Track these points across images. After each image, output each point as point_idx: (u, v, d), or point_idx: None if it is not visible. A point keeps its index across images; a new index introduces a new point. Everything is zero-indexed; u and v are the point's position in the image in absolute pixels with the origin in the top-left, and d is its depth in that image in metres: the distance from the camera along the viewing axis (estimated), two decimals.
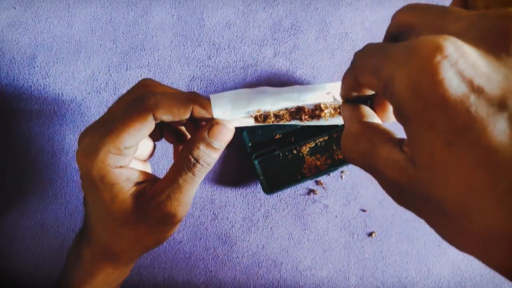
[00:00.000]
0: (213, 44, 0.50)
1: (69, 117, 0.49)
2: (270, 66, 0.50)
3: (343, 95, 0.23)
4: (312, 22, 0.50)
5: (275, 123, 0.29)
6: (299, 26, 0.50)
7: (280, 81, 0.50)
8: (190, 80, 0.49)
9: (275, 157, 0.47)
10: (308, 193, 0.49)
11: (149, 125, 0.27)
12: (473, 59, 0.14)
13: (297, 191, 0.49)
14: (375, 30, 0.51)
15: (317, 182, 0.49)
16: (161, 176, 0.30)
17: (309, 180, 0.48)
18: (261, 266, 0.49)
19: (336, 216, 0.49)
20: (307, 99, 0.28)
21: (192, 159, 0.28)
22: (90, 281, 0.31)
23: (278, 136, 0.47)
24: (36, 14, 0.49)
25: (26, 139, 0.48)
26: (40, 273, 0.48)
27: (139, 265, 0.48)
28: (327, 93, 0.28)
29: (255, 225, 0.49)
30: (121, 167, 0.28)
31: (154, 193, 0.28)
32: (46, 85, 0.49)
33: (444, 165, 0.14)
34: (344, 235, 0.49)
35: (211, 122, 0.28)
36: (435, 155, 0.14)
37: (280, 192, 0.49)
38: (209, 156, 0.28)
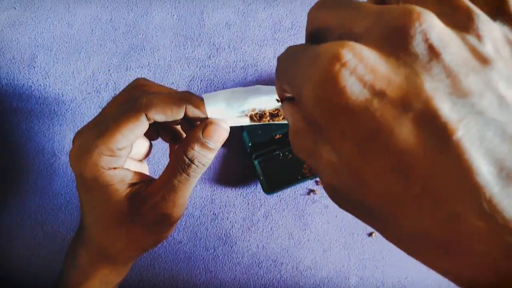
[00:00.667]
0: (213, 44, 0.50)
1: (69, 117, 0.49)
2: (270, 66, 0.50)
3: (279, 97, 0.23)
4: None
5: (270, 122, 0.29)
6: (299, 26, 0.50)
7: None
8: (190, 80, 0.49)
9: (275, 157, 0.47)
10: (308, 193, 0.49)
11: (142, 125, 0.26)
12: (372, 63, 0.14)
13: (297, 191, 0.49)
14: None
15: (317, 182, 0.49)
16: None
17: (309, 180, 0.48)
18: (261, 266, 0.49)
19: (336, 216, 0.49)
20: None
21: (187, 160, 0.27)
22: (86, 282, 0.31)
23: (278, 136, 0.47)
24: (36, 14, 0.49)
25: (26, 139, 0.48)
26: (40, 273, 0.48)
27: (139, 265, 0.48)
28: None
29: (255, 225, 0.49)
30: (114, 168, 0.27)
31: (149, 195, 0.28)
32: (46, 85, 0.49)
33: (362, 172, 0.14)
34: (344, 235, 0.49)
35: (206, 122, 0.27)
36: (351, 163, 0.14)
37: (280, 192, 0.49)
38: (204, 156, 0.28)
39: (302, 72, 0.15)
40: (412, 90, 0.13)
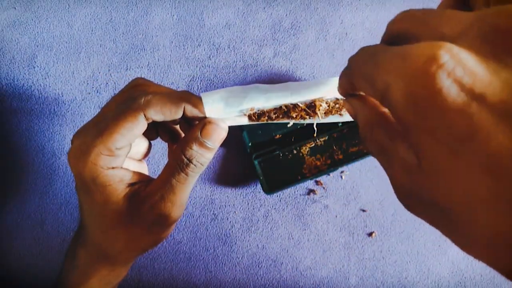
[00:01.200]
0: (213, 44, 0.50)
1: (69, 117, 0.49)
2: (270, 66, 0.50)
3: (342, 94, 0.23)
4: (312, 22, 0.50)
5: (269, 121, 0.28)
6: (299, 26, 0.50)
7: (280, 81, 0.50)
8: (190, 80, 0.49)
9: (275, 157, 0.47)
10: (308, 193, 0.49)
11: (140, 125, 0.26)
12: (471, 65, 0.13)
13: (297, 191, 0.49)
14: (375, 30, 0.51)
15: (317, 182, 0.49)
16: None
17: (309, 180, 0.48)
18: (261, 266, 0.49)
19: (336, 216, 0.49)
20: (302, 95, 0.27)
21: (185, 159, 0.27)
22: (86, 282, 0.31)
23: (278, 136, 0.47)
24: (36, 14, 0.49)
25: (26, 139, 0.48)
26: (40, 273, 0.48)
27: (139, 265, 0.48)
28: (322, 89, 0.27)
29: (255, 225, 0.49)
30: (113, 168, 0.27)
31: (148, 195, 0.28)
32: (46, 85, 0.49)
33: (449, 173, 0.14)
34: (344, 235, 0.49)
35: (204, 121, 0.27)
36: (440, 163, 0.14)
37: (280, 192, 0.49)
38: (202, 156, 0.27)
39: (389, 71, 0.15)
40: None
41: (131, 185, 0.28)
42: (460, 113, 0.13)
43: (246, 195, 0.49)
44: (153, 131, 0.32)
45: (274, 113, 0.28)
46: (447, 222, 0.15)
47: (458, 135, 0.13)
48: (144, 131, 0.28)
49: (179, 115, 0.27)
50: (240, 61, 0.50)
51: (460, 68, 0.13)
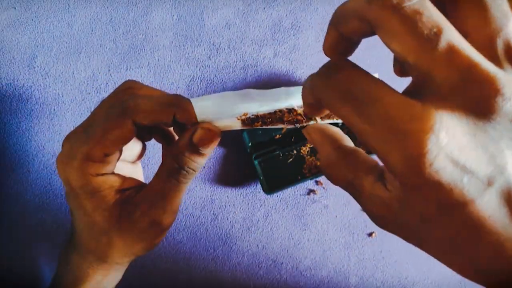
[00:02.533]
0: (213, 44, 0.50)
1: (69, 117, 0.49)
2: (270, 66, 0.50)
3: (306, 113, 0.22)
4: (312, 22, 0.50)
5: (263, 126, 0.27)
6: (299, 26, 0.50)
7: (280, 81, 0.50)
8: (190, 80, 0.49)
9: (275, 157, 0.47)
10: (308, 193, 0.49)
11: (129, 131, 0.26)
12: (465, 143, 0.15)
13: (297, 191, 0.49)
14: None
15: (317, 182, 0.49)
16: None
17: (309, 180, 0.48)
18: (261, 266, 0.49)
19: (336, 216, 0.49)
20: (296, 100, 0.27)
21: (176, 166, 0.26)
22: (79, 287, 0.31)
23: (278, 136, 0.48)
24: (36, 14, 0.49)
25: (26, 139, 0.48)
26: (40, 273, 0.48)
27: (139, 265, 0.48)
28: None
29: (255, 225, 0.49)
30: (103, 174, 0.27)
31: (139, 201, 0.27)
32: (46, 85, 0.49)
33: (433, 229, 0.16)
34: (344, 235, 0.49)
35: (196, 126, 0.26)
36: (425, 219, 0.16)
37: (280, 192, 0.49)
38: (195, 162, 0.26)
39: (383, 139, 0.16)
40: (497, 169, 0.15)
41: (121, 191, 0.28)
42: (452, 185, 0.15)
43: (246, 195, 0.49)
44: (147, 132, 0.31)
45: (268, 118, 0.27)
46: (417, 241, 0.18)
47: (448, 203, 0.15)
48: (138, 133, 0.27)
49: (169, 120, 0.26)
50: (240, 61, 0.50)
51: (455, 147, 0.15)
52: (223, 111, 0.26)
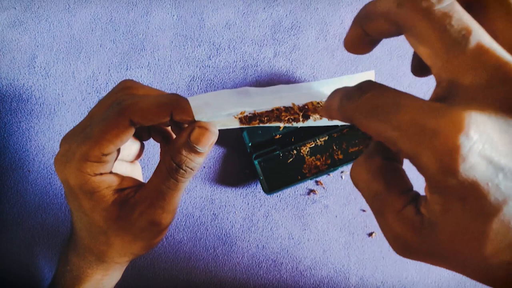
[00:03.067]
0: (213, 44, 0.50)
1: (69, 117, 0.49)
2: (270, 66, 0.50)
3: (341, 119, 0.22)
4: (312, 22, 0.50)
5: (261, 125, 0.27)
6: (299, 26, 0.50)
7: (280, 81, 0.50)
8: (190, 80, 0.49)
9: (275, 157, 0.47)
10: (308, 193, 0.49)
11: (127, 131, 0.26)
12: (497, 140, 0.14)
13: (297, 191, 0.49)
14: None
15: (317, 182, 0.49)
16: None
17: (309, 180, 0.48)
18: (261, 266, 0.49)
19: (336, 216, 0.49)
20: (294, 99, 0.26)
21: (174, 165, 0.26)
22: (79, 286, 0.31)
23: (278, 136, 0.47)
24: (36, 14, 0.49)
25: (26, 139, 0.48)
26: (40, 273, 0.48)
27: (139, 265, 0.48)
28: (315, 92, 0.26)
29: (255, 225, 0.49)
30: (101, 174, 0.27)
31: (137, 201, 0.27)
32: (46, 85, 0.49)
33: (473, 239, 0.15)
34: (344, 235, 0.49)
35: (193, 125, 0.26)
36: (465, 228, 0.15)
37: (280, 192, 0.49)
38: (192, 161, 0.26)
39: (415, 141, 0.15)
40: None
41: (120, 190, 0.28)
42: (487, 183, 0.14)
43: (246, 195, 0.49)
44: (145, 132, 0.31)
45: (266, 116, 0.27)
46: (445, 264, 0.17)
47: (487, 205, 0.15)
48: (135, 132, 0.27)
49: (166, 119, 0.26)
50: (240, 61, 0.50)
51: (488, 145, 0.14)
52: (221, 109, 0.26)
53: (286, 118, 0.27)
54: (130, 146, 0.31)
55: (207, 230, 0.49)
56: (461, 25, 0.15)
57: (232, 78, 0.50)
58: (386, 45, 0.50)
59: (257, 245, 0.49)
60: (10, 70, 0.49)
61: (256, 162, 0.46)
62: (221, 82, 0.49)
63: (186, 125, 0.27)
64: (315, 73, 0.50)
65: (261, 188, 0.47)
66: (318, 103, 0.27)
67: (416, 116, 0.15)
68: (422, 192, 0.18)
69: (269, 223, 0.49)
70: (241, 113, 0.27)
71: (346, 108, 0.19)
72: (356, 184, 0.20)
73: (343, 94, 0.19)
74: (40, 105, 0.49)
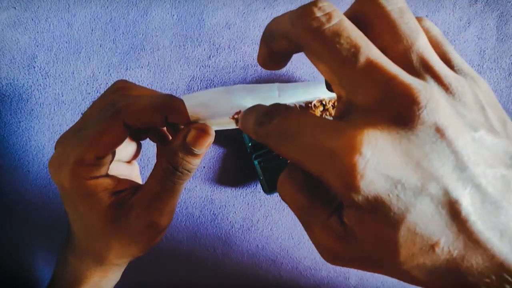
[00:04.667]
0: (213, 44, 0.50)
1: (69, 117, 0.49)
2: None
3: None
4: None
5: None
6: None
7: (280, 81, 0.50)
8: (190, 80, 0.49)
9: (275, 157, 0.47)
10: None
11: (121, 134, 0.25)
12: (391, 157, 0.15)
13: None
14: None
15: None
16: None
17: None
18: (261, 266, 0.49)
19: None
20: (289, 97, 0.26)
21: (171, 167, 0.26)
22: None
23: None
24: (36, 14, 0.49)
25: (26, 138, 0.48)
26: (40, 273, 0.48)
27: (139, 266, 0.48)
28: (313, 91, 0.26)
29: (255, 225, 0.49)
30: (96, 177, 0.26)
31: (134, 203, 0.27)
32: (46, 85, 0.49)
33: (388, 247, 0.16)
34: None
35: (189, 127, 0.26)
36: (379, 237, 0.16)
37: None
38: (189, 163, 0.26)
39: (317, 161, 0.16)
40: (425, 174, 0.15)
41: (116, 193, 0.27)
42: (385, 197, 0.15)
43: (246, 195, 0.49)
44: (142, 132, 0.31)
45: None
46: (379, 268, 0.18)
47: (391, 215, 0.15)
48: (132, 133, 0.27)
49: (160, 121, 0.26)
50: (240, 61, 0.50)
51: (382, 162, 0.15)
52: (216, 109, 0.26)
53: None
54: (126, 147, 0.31)
55: (207, 230, 0.49)
56: (349, 43, 0.16)
57: (232, 78, 0.50)
58: None
59: (257, 245, 0.49)
60: (10, 70, 0.49)
61: (256, 162, 0.46)
62: (221, 82, 0.49)
63: (182, 126, 0.27)
64: (315, 73, 0.50)
65: (261, 188, 0.47)
66: (320, 101, 0.27)
67: (316, 137, 0.16)
68: None
69: (269, 223, 0.49)
70: (236, 114, 0.26)
71: (259, 134, 0.19)
72: (283, 198, 0.20)
73: (255, 119, 0.20)
74: (40, 105, 0.49)
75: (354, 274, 0.49)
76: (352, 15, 0.18)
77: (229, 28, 0.50)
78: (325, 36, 0.16)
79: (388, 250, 0.16)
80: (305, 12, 0.17)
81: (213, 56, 0.50)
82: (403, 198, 0.15)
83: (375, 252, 0.16)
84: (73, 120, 0.49)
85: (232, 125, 0.27)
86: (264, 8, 0.50)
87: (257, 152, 0.47)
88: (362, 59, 0.16)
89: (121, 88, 0.28)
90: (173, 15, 0.50)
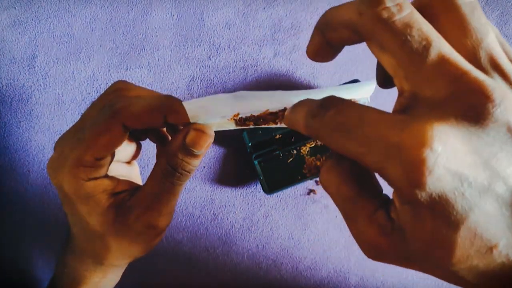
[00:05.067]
0: (213, 44, 0.50)
1: (69, 117, 0.49)
2: (270, 66, 0.50)
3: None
4: (312, 22, 0.50)
5: (256, 126, 0.27)
6: (299, 26, 0.50)
7: (280, 81, 0.50)
8: (190, 80, 0.49)
9: (275, 157, 0.47)
10: (308, 193, 0.49)
11: (120, 135, 0.25)
12: (460, 153, 0.15)
13: (297, 191, 0.49)
14: None
15: (317, 182, 0.49)
16: None
17: (309, 180, 0.48)
18: (261, 266, 0.49)
19: (336, 216, 0.49)
20: (290, 103, 0.25)
21: (170, 168, 0.26)
22: None
23: (278, 136, 0.47)
24: (36, 14, 0.49)
25: (27, 139, 0.48)
26: (40, 274, 0.48)
27: (139, 265, 0.48)
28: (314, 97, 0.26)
29: (255, 225, 0.49)
30: (95, 178, 0.26)
31: (133, 205, 0.27)
32: (46, 85, 0.49)
33: (443, 246, 0.15)
34: (344, 235, 0.49)
35: (188, 128, 0.25)
36: (435, 236, 0.15)
37: (280, 192, 0.49)
38: (189, 164, 0.26)
39: (381, 155, 0.16)
40: (493, 173, 0.15)
41: (115, 194, 0.27)
42: (452, 194, 0.15)
43: (246, 195, 0.49)
44: (141, 133, 0.31)
45: (261, 118, 0.26)
46: (416, 267, 0.18)
47: (454, 214, 0.15)
48: (131, 134, 0.27)
49: (159, 122, 0.25)
50: (240, 61, 0.50)
51: (452, 158, 0.15)
52: (216, 111, 0.26)
53: (282, 120, 0.26)
54: (126, 147, 0.30)
55: (207, 230, 0.49)
56: (421, 35, 0.16)
57: (232, 78, 0.50)
58: None
59: (257, 245, 0.49)
60: (10, 70, 0.49)
61: (256, 162, 0.46)
62: (221, 82, 0.49)
63: (182, 127, 0.27)
64: (315, 73, 0.50)
65: (261, 188, 0.47)
66: None
67: (379, 130, 0.15)
68: (390, 194, 0.18)
69: (269, 223, 0.49)
70: (235, 115, 0.26)
71: (312, 126, 0.19)
72: (326, 188, 0.20)
73: (308, 112, 0.19)
74: (40, 105, 0.49)
75: (354, 274, 0.49)
76: (417, 6, 0.17)
77: (229, 28, 0.50)
78: (395, 28, 0.16)
79: (442, 250, 0.15)
80: (375, 2, 0.16)
81: (213, 56, 0.50)
82: (468, 197, 0.15)
83: (426, 251, 0.16)
84: (73, 120, 0.49)
85: (232, 126, 0.27)
86: (264, 8, 0.50)
87: (257, 152, 0.47)
88: (433, 52, 0.15)
89: (120, 89, 0.27)
90: (173, 15, 0.50)
